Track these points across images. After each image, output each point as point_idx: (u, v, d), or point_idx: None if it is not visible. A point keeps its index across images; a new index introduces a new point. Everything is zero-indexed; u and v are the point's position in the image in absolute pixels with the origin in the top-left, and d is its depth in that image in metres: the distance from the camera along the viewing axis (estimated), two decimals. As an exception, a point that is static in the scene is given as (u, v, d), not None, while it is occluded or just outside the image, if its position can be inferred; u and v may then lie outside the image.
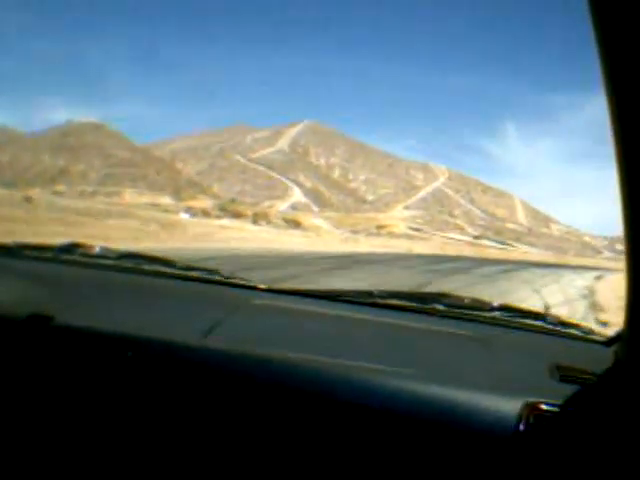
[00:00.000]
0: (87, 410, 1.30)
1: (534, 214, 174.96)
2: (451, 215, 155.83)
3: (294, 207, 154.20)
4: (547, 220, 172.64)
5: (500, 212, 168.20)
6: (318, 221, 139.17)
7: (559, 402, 1.16)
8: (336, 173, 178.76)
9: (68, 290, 1.61)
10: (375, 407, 1.18)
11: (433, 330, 1.54)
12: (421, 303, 1.69)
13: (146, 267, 1.85)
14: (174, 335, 1.35)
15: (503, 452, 1.13)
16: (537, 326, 1.59)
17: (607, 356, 1.24)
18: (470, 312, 1.64)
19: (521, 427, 1.13)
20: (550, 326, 1.60)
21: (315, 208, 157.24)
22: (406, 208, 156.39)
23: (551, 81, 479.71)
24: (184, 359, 1.29)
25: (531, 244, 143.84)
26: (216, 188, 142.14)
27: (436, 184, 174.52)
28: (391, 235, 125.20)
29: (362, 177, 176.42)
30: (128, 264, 1.85)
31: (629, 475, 1.05)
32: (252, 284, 1.79)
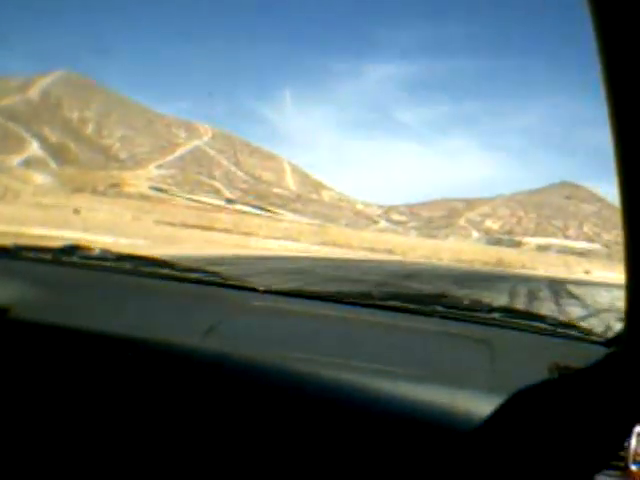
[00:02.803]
0: (87, 410, 1.33)
1: (304, 179, 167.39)
2: (210, 176, 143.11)
3: (27, 162, 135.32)
4: (318, 186, 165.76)
5: (267, 176, 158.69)
6: (42, 176, 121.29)
7: (559, 403, 1.19)
8: (89, 128, 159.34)
9: (67, 292, 1.64)
10: (375, 408, 1.21)
11: (433, 331, 1.57)
12: (421, 304, 1.72)
13: (145, 269, 1.87)
14: (173, 337, 1.39)
15: (503, 451, 1.15)
16: (536, 327, 1.62)
17: (606, 356, 1.27)
18: (469, 313, 1.67)
19: (521, 427, 1.16)
20: (549, 327, 1.62)
21: (53, 164, 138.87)
22: (160, 167, 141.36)
23: (330, 47, 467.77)
24: (183, 360, 1.33)
25: (297, 211, 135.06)
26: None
27: (197, 143, 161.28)
28: (122, 195, 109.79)
29: (118, 134, 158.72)
30: (127, 266, 1.87)
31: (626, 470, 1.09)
32: (251, 286, 1.81)
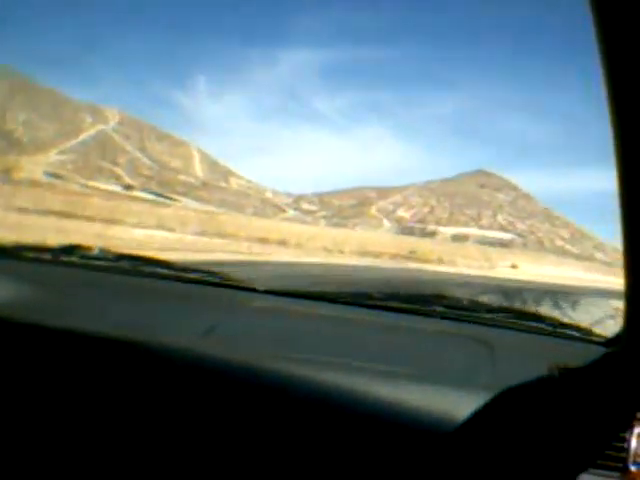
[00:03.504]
0: (86, 411, 1.32)
1: (213, 167, 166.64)
2: (113, 162, 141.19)
3: None
4: (227, 174, 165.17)
5: (175, 163, 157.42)
6: None
7: (558, 403, 1.18)
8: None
9: (66, 292, 1.63)
10: (375, 408, 1.20)
11: (432, 331, 1.56)
12: (420, 304, 1.71)
13: (144, 269, 1.86)
14: (172, 337, 1.38)
15: (503, 451, 1.15)
16: (536, 327, 1.61)
17: (606, 357, 1.27)
18: (469, 313, 1.66)
19: (521, 427, 1.16)
20: (549, 327, 1.62)
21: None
22: (61, 152, 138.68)
23: (244, 34, 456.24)
24: (182, 361, 1.31)
25: (202, 199, 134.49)
26: None
27: (103, 128, 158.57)
28: (9, 181, 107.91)
29: (22, 118, 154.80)
30: (126, 266, 1.87)
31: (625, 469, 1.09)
32: (251, 286, 1.80)
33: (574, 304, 15.28)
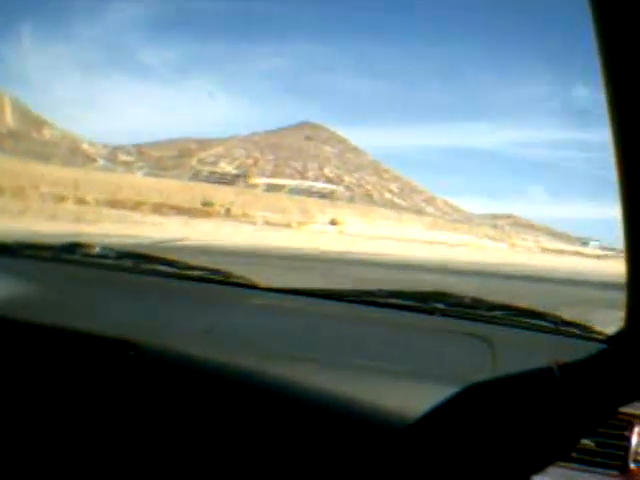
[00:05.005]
0: (87, 408, 1.32)
1: (26, 116, 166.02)
2: None
3: None
4: (41, 124, 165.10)
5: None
6: None
7: (560, 400, 1.18)
8: None
9: (68, 290, 1.62)
10: (375, 405, 1.20)
11: (434, 329, 1.56)
12: (422, 302, 1.70)
13: (146, 267, 1.84)
14: (175, 334, 1.38)
15: (505, 448, 1.15)
16: (537, 325, 1.59)
17: (607, 354, 1.28)
18: (470, 311, 1.65)
19: (523, 424, 1.16)
20: (550, 325, 1.60)
21: None
22: None
23: None
24: (185, 358, 1.31)
25: (4, 149, 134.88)
26: None
27: None
28: None
29: None
30: (128, 264, 1.85)
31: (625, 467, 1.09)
32: (253, 283, 1.79)
33: (574, 298, 15.15)
